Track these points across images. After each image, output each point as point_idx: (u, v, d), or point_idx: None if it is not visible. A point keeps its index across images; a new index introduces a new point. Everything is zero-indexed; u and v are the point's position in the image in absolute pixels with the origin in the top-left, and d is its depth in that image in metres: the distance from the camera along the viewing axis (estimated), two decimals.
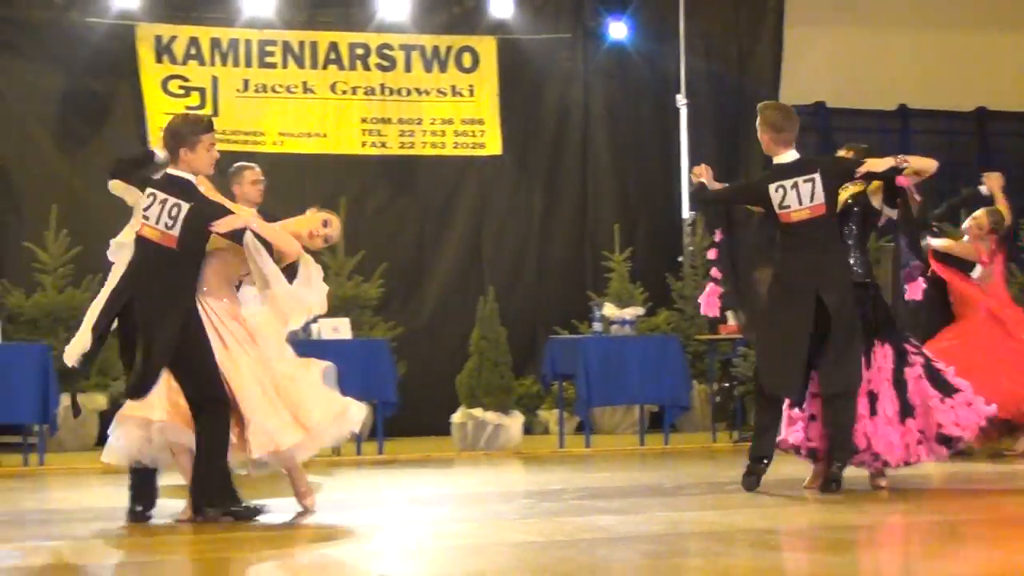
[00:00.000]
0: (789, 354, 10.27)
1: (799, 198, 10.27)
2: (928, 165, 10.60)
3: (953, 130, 20.36)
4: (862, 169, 10.36)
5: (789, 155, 10.45)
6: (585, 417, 15.43)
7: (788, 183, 10.30)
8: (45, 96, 16.96)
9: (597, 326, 15.57)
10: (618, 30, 18.33)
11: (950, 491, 11.26)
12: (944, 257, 13.58)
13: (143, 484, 9.44)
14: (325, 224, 9.74)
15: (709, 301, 10.83)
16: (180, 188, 9.15)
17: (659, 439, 15.26)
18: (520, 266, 18.18)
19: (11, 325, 15.11)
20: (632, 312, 15.59)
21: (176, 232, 9.04)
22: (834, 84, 19.45)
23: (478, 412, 14.82)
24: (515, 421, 15.12)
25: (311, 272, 9.52)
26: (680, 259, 17.90)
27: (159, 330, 9.02)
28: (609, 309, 15.53)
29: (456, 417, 15.06)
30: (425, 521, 9.18)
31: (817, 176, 10.29)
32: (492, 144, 17.85)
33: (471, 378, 14.97)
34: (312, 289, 9.54)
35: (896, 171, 10.35)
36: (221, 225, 9.09)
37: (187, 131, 9.29)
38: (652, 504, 9.59)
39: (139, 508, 9.37)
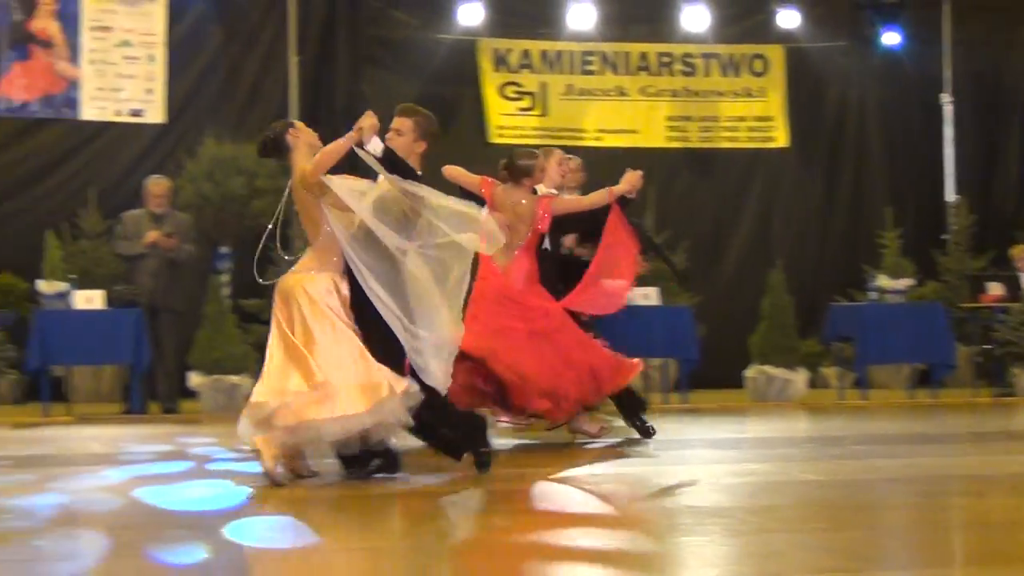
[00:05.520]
0: None
1: None
2: None
3: None
4: None
5: None
6: (862, 374, 15.19)
7: None
8: (403, 101, 17.20)
9: (873, 295, 15.50)
10: (890, 38, 18.04)
11: None
12: None
13: None
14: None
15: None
16: None
17: (927, 394, 14.98)
18: (803, 243, 18.05)
19: None
20: (904, 283, 15.44)
21: None
22: None
23: (768, 368, 14.75)
24: (800, 376, 15.02)
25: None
26: (945, 237, 17.53)
27: None
28: (883, 280, 15.43)
29: (749, 372, 15.00)
30: (723, 461, 9.15)
31: None
32: (780, 138, 17.73)
33: (762, 339, 14.92)
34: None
35: None
36: None
37: None
38: (922, 450, 9.41)
39: None
